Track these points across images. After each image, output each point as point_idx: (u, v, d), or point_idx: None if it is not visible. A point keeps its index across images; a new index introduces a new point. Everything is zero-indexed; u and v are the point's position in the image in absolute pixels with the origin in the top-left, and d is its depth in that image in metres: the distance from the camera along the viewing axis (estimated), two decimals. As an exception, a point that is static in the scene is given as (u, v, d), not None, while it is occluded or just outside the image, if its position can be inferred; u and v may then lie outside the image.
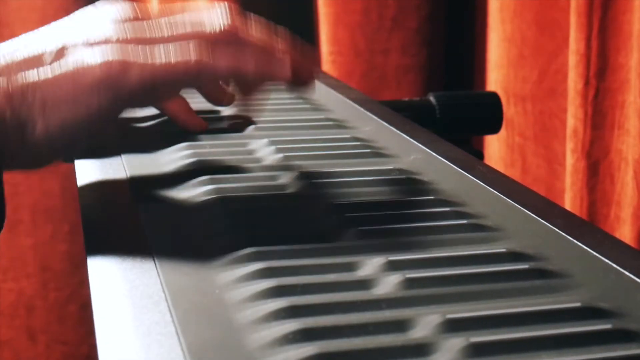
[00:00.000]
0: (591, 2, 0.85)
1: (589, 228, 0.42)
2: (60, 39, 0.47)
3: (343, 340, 0.31)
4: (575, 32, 0.87)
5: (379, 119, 0.62)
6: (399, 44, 1.11)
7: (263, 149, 0.54)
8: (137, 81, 0.44)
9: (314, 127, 0.60)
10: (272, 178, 0.48)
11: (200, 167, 0.50)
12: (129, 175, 0.50)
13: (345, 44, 1.11)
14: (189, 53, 0.45)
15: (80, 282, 1.28)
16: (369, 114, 0.64)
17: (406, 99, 0.77)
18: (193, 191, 0.46)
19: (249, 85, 0.50)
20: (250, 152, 0.54)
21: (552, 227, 0.41)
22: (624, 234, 0.86)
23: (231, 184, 0.47)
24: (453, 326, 0.31)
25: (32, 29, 0.48)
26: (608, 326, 0.32)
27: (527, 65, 1.00)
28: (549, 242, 0.40)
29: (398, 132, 0.59)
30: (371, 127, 0.60)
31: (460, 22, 1.14)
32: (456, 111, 0.74)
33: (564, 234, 0.41)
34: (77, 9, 0.51)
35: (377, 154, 0.53)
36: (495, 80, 1.05)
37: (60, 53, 0.46)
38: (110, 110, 0.45)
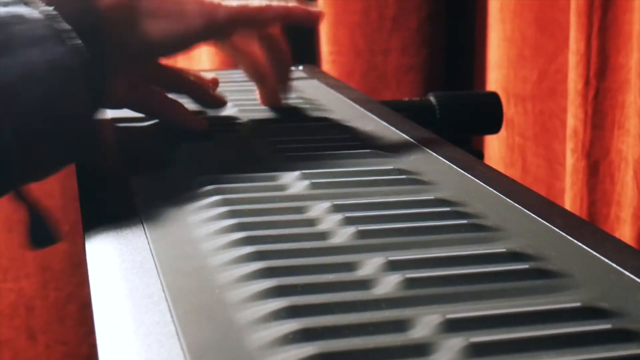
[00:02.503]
0: (591, 2, 0.85)
1: (589, 228, 0.42)
2: None
3: (343, 340, 0.31)
4: (575, 32, 0.87)
5: (379, 119, 0.62)
6: (399, 44, 1.11)
7: (263, 149, 0.54)
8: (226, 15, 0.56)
9: (314, 127, 0.60)
10: (272, 178, 0.48)
11: (202, 167, 0.50)
12: (129, 175, 0.50)
13: (345, 44, 1.11)
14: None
15: (80, 282, 1.28)
16: (369, 114, 0.64)
17: (406, 99, 0.77)
18: (194, 191, 0.46)
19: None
20: (250, 152, 0.54)
21: (552, 227, 0.41)
22: (624, 234, 0.86)
23: (233, 184, 0.47)
24: (453, 326, 0.31)
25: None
26: (608, 326, 0.32)
27: (527, 65, 1.00)
28: (549, 242, 0.40)
29: (398, 132, 0.59)
30: (371, 127, 0.60)
31: (460, 22, 1.14)
32: (456, 111, 0.74)
33: (564, 234, 0.41)
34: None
35: (377, 154, 0.53)
36: (495, 80, 1.05)
37: None
38: (200, 36, 0.57)
